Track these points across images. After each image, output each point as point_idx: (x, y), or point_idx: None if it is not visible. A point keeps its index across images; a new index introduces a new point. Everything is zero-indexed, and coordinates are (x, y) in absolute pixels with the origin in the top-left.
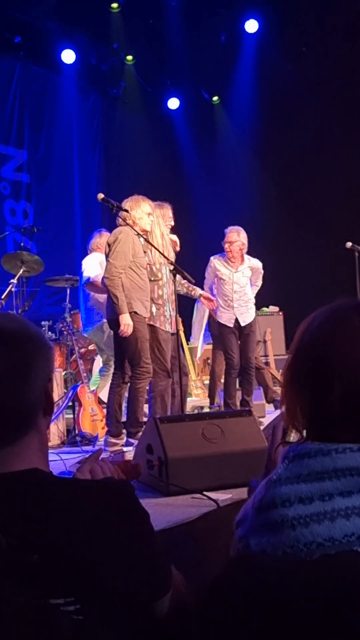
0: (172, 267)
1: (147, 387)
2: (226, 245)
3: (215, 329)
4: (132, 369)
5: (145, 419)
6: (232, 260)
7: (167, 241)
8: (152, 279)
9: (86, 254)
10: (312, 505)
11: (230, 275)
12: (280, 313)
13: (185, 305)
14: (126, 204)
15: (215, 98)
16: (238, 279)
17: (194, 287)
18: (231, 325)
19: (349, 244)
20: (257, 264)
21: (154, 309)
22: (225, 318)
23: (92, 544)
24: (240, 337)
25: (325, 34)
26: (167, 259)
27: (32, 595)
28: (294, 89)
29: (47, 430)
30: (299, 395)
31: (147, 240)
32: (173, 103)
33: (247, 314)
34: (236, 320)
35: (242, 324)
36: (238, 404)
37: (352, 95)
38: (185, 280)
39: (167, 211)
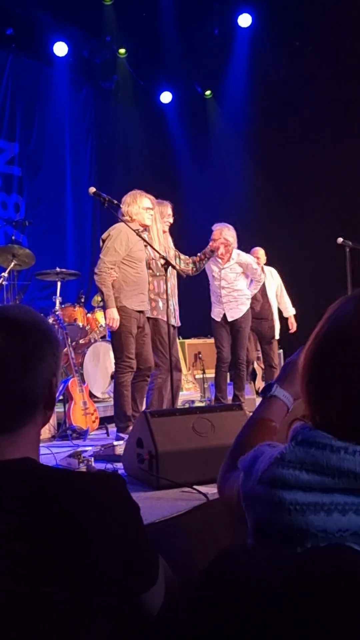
0: (163, 262)
1: (149, 380)
2: (210, 242)
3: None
4: (116, 363)
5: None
6: (220, 257)
7: (162, 238)
8: (158, 274)
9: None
10: (311, 494)
11: (219, 272)
12: None
13: (180, 301)
14: (125, 199)
15: (207, 92)
16: (226, 275)
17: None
18: (219, 319)
19: (340, 240)
20: (247, 259)
21: (160, 303)
22: (215, 312)
23: (82, 533)
24: (231, 332)
25: (318, 28)
26: (159, 253)
27: (23, 582)
28: (286, 84)
29: (45, 424)
30: (317, 380)
31: (144, 236)
32: (166, 97)
33: (235, 310)
34: (224, 315)
35: (230, 319)
36: (229, 398)
37: (344, 90)
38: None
39: (166, 209)
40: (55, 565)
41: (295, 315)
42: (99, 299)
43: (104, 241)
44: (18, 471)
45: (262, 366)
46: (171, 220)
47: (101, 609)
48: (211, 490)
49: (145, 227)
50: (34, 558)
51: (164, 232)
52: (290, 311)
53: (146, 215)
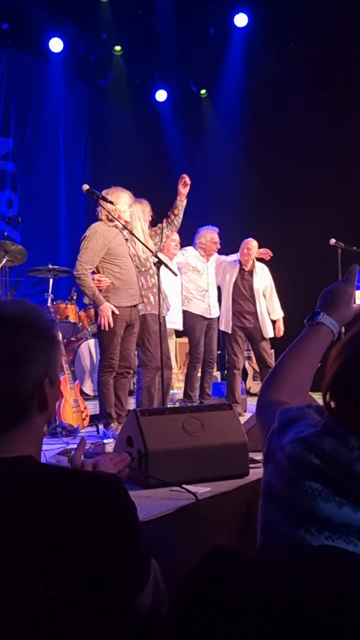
0: (156, 260)
1: (129, 377)
2: (212, 245)
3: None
4: (100, 361)
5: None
6: (209, 254)
7: (147, 235)
8: (143, 269)
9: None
10: (324, 484)
11: (204, 267)
12: None
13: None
14: (108, 195)
15: (203, 91)
16: (210, 271)
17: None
18: (199, 313)
19: (332, 241)
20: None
21: (151, 298)
22: (198, 308)
23: (78, 533)
24: (207, 330)
25: (314, 29)
26: (151, 251)
27: (15, 578)
28: (281, 84)
29: (43, 426)
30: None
31: (131, 232)
32: (161, 95)
33: (216, 307)
34: (207, 311)
35: (211, 316)
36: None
37: (339, 91)
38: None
39: (146, 207)
40: (47, 562)
41: (284, 318)
42: None
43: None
44: (16, 469)
45: (254, 366)
46: (150, 218)
47: (91, 609)
48: (200, 489)
49: (127, 223)
50: (26, 555)
51: (143, 229)
52: (278, 314)
53: (128, 211)
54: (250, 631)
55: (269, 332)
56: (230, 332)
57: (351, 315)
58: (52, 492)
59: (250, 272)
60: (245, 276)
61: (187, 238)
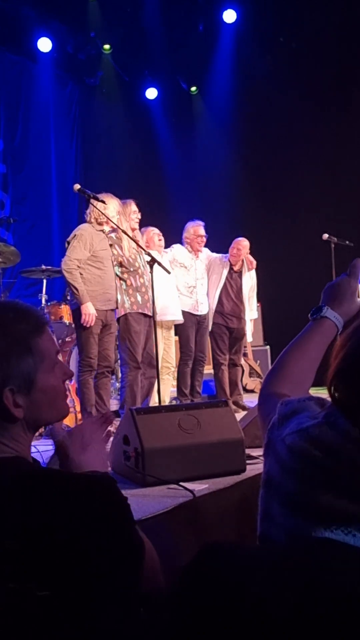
0: (149, 259)
1: (110, 376)
2: (196, 239)
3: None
4: (79, 361)
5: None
6: (196, 249)
7: (131, 234)
8: (132, 269)
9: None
10: (326, 475)
11: (192, 263)
12: (258, 304)
13: None
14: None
15: (193, 88)
16: (199, 267)
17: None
18: (187, 309)
19: (325, 236)
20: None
21: (139, 298)
22: (185, 304)
23: (70, 533)
24: (197, 328)
25: (303, 24)
26: (145, 250)
27: (11, 580)
28: (271, 79)
29: (26, 432)
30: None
31: (124, 232)
32: (151, 93)
33: (204, 304)
34: (194, 307)
35: (199, 313)
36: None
37: (329, 84)
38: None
39: (130, 207)
40: (40, 562)
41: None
42: None
43: (69, 243)
44: (5, 469)
45: (250, 363)
46: (139, 216)
47: (83, 606)
48: (198, 486)
49: (114, 229)
50: (18, 555)
51: (133, 229)
52: (252, 314)
53: (116, 216)
54: (244, 625)
55: (249, 337)
56: (214, 329)
57: (356, 309)
58: (43, 492)
59: (239, 273)
60: (233, 276)
61: (178, 234)
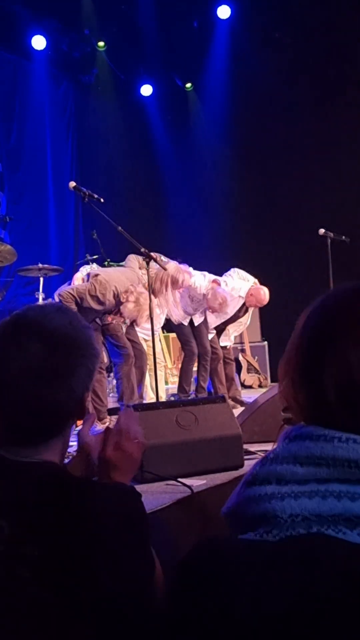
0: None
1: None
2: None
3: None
4: None
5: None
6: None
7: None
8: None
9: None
10: (307, 486)
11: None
12: None
13: None
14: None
15: (188, 85)
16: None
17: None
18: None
19: (321, 231)
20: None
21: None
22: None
23: (93, 543)
24: (192, 326)
25: (297, 19)
26: (141, 247)
27: (25, 583)
28: (267, 75)
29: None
30: (297, 380)
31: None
32: (146, 90)
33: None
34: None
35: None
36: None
37: (325, 81)
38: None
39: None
40: (60, 570)
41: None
42: None
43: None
44: (40, 475)
45: (248, 359)
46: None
47: (97, 615)
48: (196, 482)
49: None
50: (37, 561)
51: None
52: (226, 341)
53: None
54: (240, 621)
55: (231, 339)
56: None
57: None
58: (70, 500)
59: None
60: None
61: (172, 231)
